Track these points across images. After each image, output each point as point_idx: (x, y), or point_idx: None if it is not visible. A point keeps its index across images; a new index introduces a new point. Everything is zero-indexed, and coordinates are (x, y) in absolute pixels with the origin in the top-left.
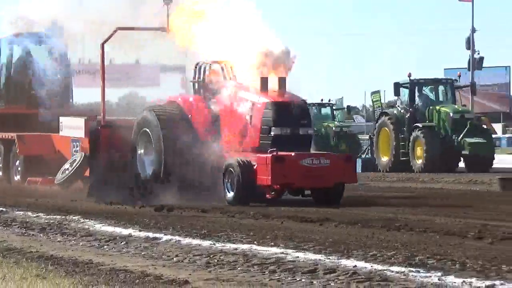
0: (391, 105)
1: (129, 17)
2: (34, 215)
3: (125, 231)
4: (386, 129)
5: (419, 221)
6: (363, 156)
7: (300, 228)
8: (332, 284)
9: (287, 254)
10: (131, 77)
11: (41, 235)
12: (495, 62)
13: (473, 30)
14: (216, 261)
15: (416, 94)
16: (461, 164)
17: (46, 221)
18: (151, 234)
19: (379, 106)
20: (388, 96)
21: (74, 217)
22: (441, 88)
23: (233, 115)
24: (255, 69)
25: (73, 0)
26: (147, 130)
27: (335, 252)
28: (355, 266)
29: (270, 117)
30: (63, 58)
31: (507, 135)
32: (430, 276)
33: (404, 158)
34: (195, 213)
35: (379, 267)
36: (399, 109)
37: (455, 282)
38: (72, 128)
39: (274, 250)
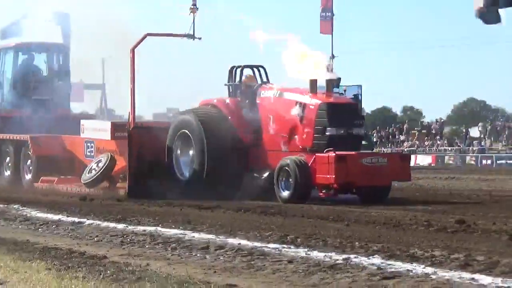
0: None
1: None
2: None
3: (55, 217)
4: None
5: (291, 207)
6: None
7: (196, 213)
8: (221, 258)
9: (185, 234)
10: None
11: None
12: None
13: (333, 57)
14: (128, 240)
15: None
16: None
17: None
18: (76, 219)
19: None
20: None
21: (15, 206)
22: None
23: (279, 116)
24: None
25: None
26: (186, 131)
27: (224, 233)
28: (240, 243)
29: (325, 117)
30: (64, 66)
31: None
32: (299, 251)
33: None
34: (111, 201)
35: (258, 244)
36: None
37: (318, 256)
38: (97, 130)
39: (175, 231)
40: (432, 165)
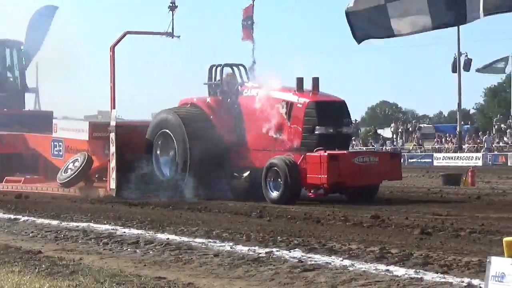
0: None
1: None
2: None
3: None
4: None
5: (216, 204)
6: None
7: (126, 210)
8: (151, 252)
9: (116, 230)
10: None
11: None
12: None
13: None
14: (62, 236)
15: None
16: None
17: None
18: (12, 216)
19: None
20: None
21: None
22: None
23: (264, 115)
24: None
25: None
26: (167, 131)
27: (153, 228)
28: (168, 238)
29: (314, 116)
30: (20, 65)
31: None
32: (224, 245)
33: None
34: (46, 199)
35: (186, 239)
36: None
37: (242, 250)
38: (72, 130)
39: (106, 227)
40: None
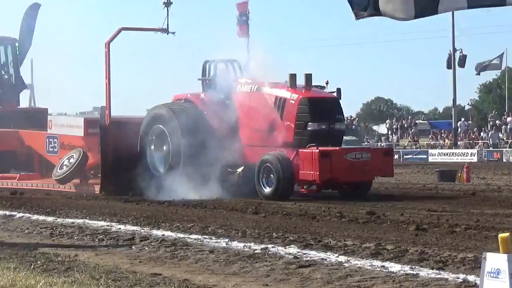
0: None
1: None
2: None
3: None
4: None
5: (211, 200)
6: None
7: (121, 206)
8: (146, 248)
9: (112, 226)
10: None
11: None
12: None
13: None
14: (58, 232)
15: None
16: None
17: None
18: (7, 212)
19: None
20: None
21: None
22: None
23: (257, 111)
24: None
25: None
26: (161, 126)
27: (148, 225)
28: (163, 234)
29: (306, 112)
30: (15, 63)
31: None
32: (220, 242)
33: None
34: (41, 195)
35: (181, 235)
36: None
37: (238, 246)
38: (67, 126)
39: (102, 223)
40: None
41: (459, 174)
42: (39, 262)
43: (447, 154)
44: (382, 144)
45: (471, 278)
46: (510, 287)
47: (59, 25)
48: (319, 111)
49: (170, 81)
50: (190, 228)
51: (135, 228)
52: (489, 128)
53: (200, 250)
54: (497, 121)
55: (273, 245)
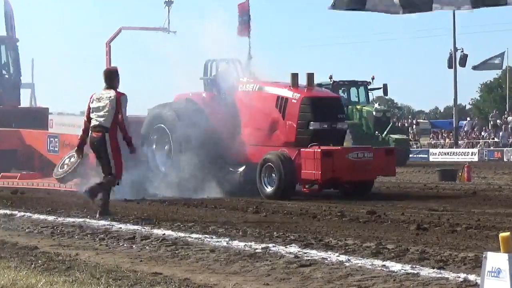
0: None
1: None
2: None
3: None
4: None
5: (212, 199)
6: None
7: (122, 205)
8: (147, 247)
9: (113, 225)
10: None
11: None
12: None
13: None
14: (58, 231)
15: None
16: None
17: None
18: (8, 211)
19: None
20: None
21: None
22: (354, 89)
23: (259, 110)
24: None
25: None
26: (163, 125)
27: (149, 224)
28: (164, 234)
29: (308, 112)
30: (14, 60)
31: None
32: (221, 241)
33: None
34: (42, 194)
35: (182, 234)
36: None
37: (239, 245)
38: (68, 125)
39: (103, 222)
40: None
41: (460, 174)
42: (39, 261)
43: (448, 153)
44: None
45: (471, 277)
46: (511, 286)
47: (60, 24)
48: (321, 110)
49: (171, 80)
50: (191, 227)
51: (136, 227)
52: (490, 128)
53: (200, 249)
54: (498, 121)
55: (274, 245)
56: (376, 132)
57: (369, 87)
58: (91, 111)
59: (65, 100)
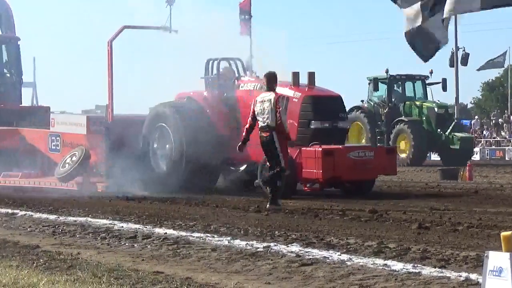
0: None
1: None
2: None
3: None
4: (359, 122)
5: (213, 198)
6: None
7: (124, 204)
8: (149, 246)
9: (114, 224)
10: None
11: None
12: None
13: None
14: (60, 230)
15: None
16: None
17: None
18: (10, 210)
19: None
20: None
21: None
22: (409, 84)
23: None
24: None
25: None
26: (164, 124)
27: (151, 223)
28: (166, 233)
29: (310, 111)
30: (16, 59)
31: None
32: (222, 240)
33: None
34: (44, 193)
35: (183, 233)
36: (372, 103)
37: (240, 244)
38: (70, 124)
39: (104, 221)
40: None
41: (462, 173)
42: (41, 260)
43: None
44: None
45: (473, 276)
46: None
47: (61, 23)
48: (322, 109)
49: (172, 79)
50: (193, 226)
51: (137, 226)
52: (492, 127)
53: (202, 248)
54: (499, 120)
55: (275, 244)
56: (439, 130)
57: (427, 81)
58: (256, 114)
59: (67, 99)
